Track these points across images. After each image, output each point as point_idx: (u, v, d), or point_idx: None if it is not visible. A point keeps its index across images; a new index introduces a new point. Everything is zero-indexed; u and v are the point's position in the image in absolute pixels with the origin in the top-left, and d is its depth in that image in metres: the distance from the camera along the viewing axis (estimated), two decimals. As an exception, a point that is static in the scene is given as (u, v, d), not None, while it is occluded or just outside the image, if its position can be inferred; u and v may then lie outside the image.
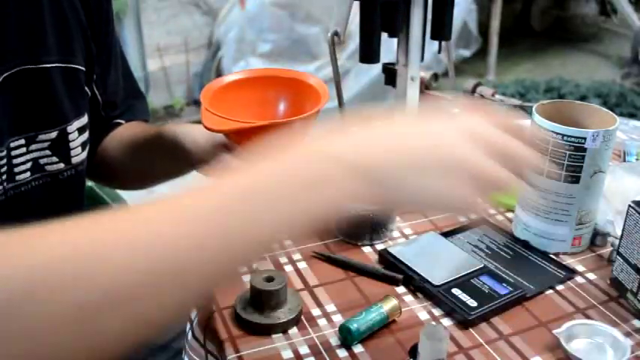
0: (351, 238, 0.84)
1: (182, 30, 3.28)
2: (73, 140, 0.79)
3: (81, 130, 0.80)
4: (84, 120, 0.81)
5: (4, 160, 0.71)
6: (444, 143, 0.48)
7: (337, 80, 0.93)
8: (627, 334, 0.67)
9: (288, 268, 0.79)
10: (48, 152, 0.77)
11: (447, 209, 0.54)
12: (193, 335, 0.74)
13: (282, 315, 0.68)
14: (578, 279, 0.77)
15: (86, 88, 0.82)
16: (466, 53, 4.13)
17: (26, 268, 0.37)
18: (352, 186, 0.45)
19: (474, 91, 1.11)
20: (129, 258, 0.39)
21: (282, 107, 0.79)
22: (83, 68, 0.79)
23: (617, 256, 0.74)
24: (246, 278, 0.76)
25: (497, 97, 1.10)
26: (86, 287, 0.37)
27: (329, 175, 0.45)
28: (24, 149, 0.74)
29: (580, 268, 0.80)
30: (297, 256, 0.81)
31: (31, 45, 0.71)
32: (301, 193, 0.44)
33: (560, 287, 0.76)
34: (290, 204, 0.44)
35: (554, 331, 0.66)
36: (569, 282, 0.77)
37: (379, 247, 0.82)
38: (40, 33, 0.72)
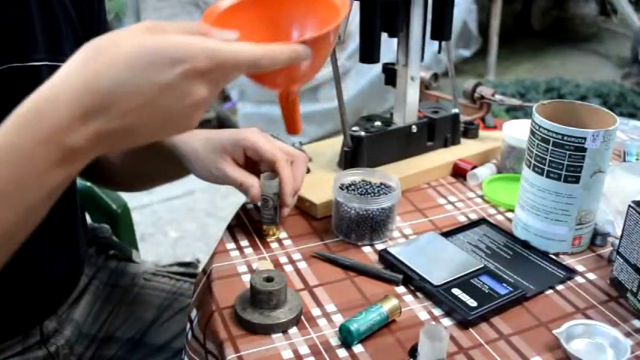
0: (351, 238, 0.84)
1: (182, 30, 3.28)
2: None
3: None
4: None
5: None
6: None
7: (337, 80, 0.93)
8: (627, 334, 0.67)
9: (288, 268, 0.79)
10: None
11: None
12: (193, 335, 0.74)
13: (282, 315, 0.68)
14: (578, 279, 0.77)
15: None
16: (466, 53, 4.14)
17: None
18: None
19: (474, 91, 1.11)
20: None
21: (296, 29, 0.67)
22: None
23: (617, 256, 0.74)
24: (246, 278, 0.76)
25: (497, 97, 1.09)
26: None
27: (80, 146, 0.50)
28: None
29: (580, 268, 0.80)
30: (297, 256, 0.81)
31: (18, 43, 0.71)
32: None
33: (560, 287, 0.76)
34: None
35: (554, 331, 0.66)
36: (569, 282, 0.77)
37: (379, 247, 0.82)
38: (27, 31, 0.72)
